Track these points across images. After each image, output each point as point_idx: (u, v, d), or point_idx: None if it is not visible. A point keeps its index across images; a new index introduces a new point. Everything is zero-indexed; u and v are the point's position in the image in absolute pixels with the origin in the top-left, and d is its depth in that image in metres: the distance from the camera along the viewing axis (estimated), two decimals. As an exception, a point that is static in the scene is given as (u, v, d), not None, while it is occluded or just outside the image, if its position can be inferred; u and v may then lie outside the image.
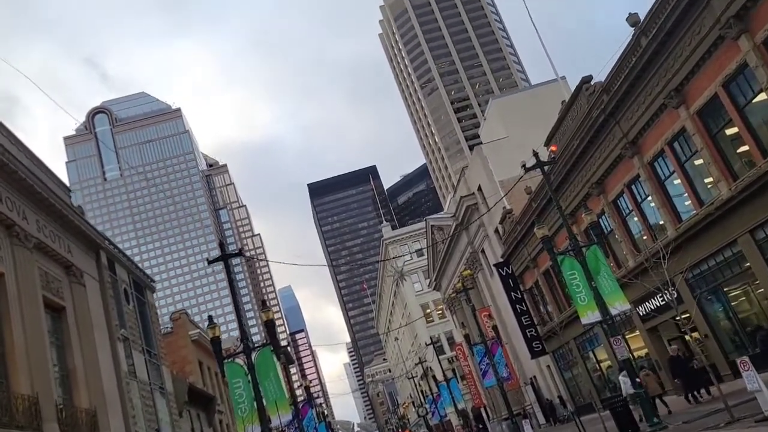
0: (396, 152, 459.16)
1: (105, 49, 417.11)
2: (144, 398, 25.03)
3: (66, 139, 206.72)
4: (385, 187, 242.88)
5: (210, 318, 16.96)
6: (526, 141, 29.55)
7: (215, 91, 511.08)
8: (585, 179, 24.65)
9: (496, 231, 39.11)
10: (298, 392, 73.28)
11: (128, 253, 37.51)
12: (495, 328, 30.71)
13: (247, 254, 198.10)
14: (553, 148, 21.09)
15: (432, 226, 54.80)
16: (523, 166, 18.19)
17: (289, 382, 65.67)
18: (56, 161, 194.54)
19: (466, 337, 31.48)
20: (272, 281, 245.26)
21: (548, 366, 36.52)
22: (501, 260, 35.51)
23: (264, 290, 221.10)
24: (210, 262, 17.25)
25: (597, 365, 29.46)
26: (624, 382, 18.23)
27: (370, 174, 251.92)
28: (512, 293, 33.17)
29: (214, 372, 39.11)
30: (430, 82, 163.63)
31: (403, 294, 78.19)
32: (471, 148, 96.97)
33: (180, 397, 29.56)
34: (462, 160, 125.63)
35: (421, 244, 76.53)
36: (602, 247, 17.89)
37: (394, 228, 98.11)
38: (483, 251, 43.11)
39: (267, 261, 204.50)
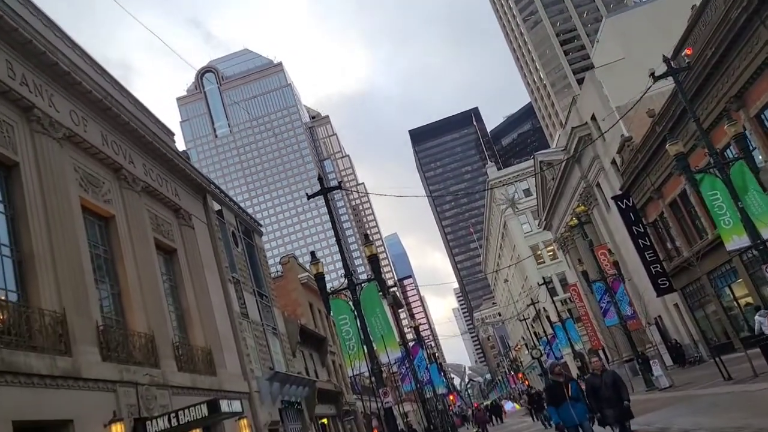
0: (498, 93, 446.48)
1: (206, 10, 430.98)
2: (257, 338, 25.48)
3: (179, 99, 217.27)
4: (488, 130, 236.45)
5: (312, 254, 16.44)
6: (646, 61, 26.44)
7: (312, 43, 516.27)
8: (721, 93, 21.61)
9: (613, 162, 36.19)
10: (409, 336, 73.97)
11: (241, 204, 38.29)
12: (616, 263, 28.44)
13: (350, 194, 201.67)
14: (687, 51, 18.37)
15: (541, 161, 51.97)
16: (652, 74, 15.85)
17: (398, 325, 66.30)
18: (172, 122, 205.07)
19: (584, 273, 29.50)
20: (378, 228, 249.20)
21: (675, 304, 33.82)
22: (620, 192, 32.82)
23: (370, 237, 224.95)
24: (309, 197, 16.60)
25: (734, 302, 26.66)
26: (760, 322, 16.44)
27: (472, 115, 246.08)
28: (634, 227, 30.53)
29: (325, 314, 39.65)
30: (533, 15, 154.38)
31: (511, 235, 76.05)
32: (580, 82, 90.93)
33: (292, 337, 30.04)
34: (570, 95, 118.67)
35: (528, 183, 73.62)
36: (749, 162, 15.42)
37: (499, 169, 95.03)
38: (598, 185, 40.28)
39: (367, 194, 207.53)
